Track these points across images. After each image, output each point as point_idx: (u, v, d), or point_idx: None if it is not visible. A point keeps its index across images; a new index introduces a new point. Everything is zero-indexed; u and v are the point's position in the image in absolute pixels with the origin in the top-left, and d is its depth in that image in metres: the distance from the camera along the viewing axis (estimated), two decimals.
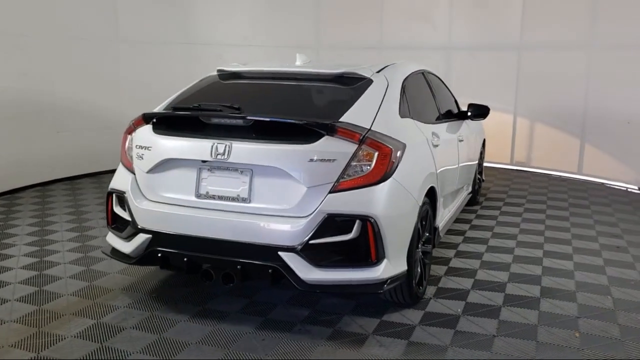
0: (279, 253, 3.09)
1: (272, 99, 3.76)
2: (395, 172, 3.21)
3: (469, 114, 5.20)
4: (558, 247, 4.94)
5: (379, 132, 3.24)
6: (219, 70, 4.17)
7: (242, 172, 3.25)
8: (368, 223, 3.06)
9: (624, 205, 6.56)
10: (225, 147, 3.21)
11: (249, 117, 3.22)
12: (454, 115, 5.14)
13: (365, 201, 3.10)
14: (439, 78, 5.26)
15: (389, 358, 3.04)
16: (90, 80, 7.78)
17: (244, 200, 3.24)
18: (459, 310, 3.64)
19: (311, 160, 3.10)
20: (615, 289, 4.01)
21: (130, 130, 3.67)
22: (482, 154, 6.51)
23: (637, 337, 3.29)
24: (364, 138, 3.13)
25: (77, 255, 4.60)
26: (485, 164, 6.98)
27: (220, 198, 3.28)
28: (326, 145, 3.12)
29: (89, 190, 7.01)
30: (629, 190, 7.43)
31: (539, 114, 8.34)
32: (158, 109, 3.80)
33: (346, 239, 3.09)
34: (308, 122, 3.14)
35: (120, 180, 3.60)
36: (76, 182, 7.48)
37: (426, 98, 4.50)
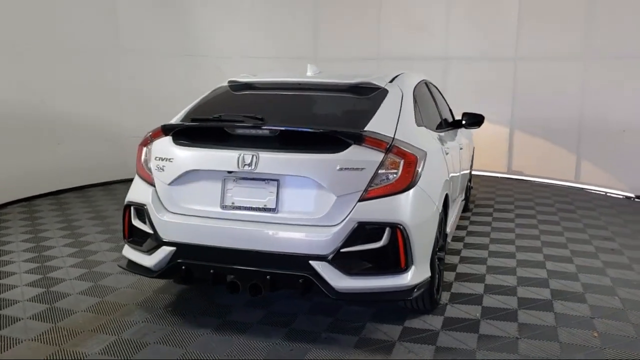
0: (310, 262, 3.10)
1: (292, 109, 3.77)
2: (419, 180, 3.27)
3: (464, 122, 5.31)
4: (556, 250, 5.09)
5: (403, 141, 3.29)
6: (230, 81, 4.17)
7: (268, 182, 3.25)
8: (398, 230, 3.11)
9: (608, 209, 6.79)
10: (252, 157, 3.21)
11: (276, 127, 3.23)
12: (451, 124, 5.25)
13: (394, 209, 3.14)
14: (436, 87, 5.37)
15: None
16: (89, 91, 7.80)
17: (271, 210, 3.24)
18: (478, 314, 3.71)
19: (340, 169, 3.13)
20: (620, 289, 4.16)
21: (146, 142, 3.63)
22: (472, 162, 6.66)
23: None
24: (390, 147, 3.18)
25: (82, 271, 4.49)
26: (481, 173, 7.14)
27: (247, 209, 3.28)
28: (354, 154, 3.15)
29: (76, 205, 6.85)
30: (625, 197, 7.58)
31: (535, 123, 8.42)
32: (174, 120, 3.77)
33: (376, 246, 3.12)
34: (337, 132, 3.17)
35: (139, 193, 3.55)
36: (61, 197, 7.30)
37: (431, 107, 4.60)
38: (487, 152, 8.32)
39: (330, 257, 3.08)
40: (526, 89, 8.45)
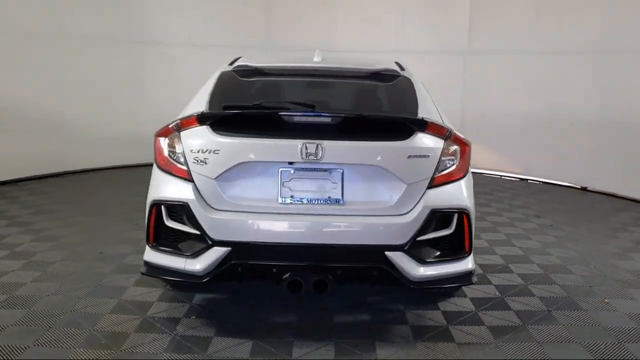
0: (386, 253, 3.02)
1: (328, 96, 3.61)
2: (470, 167, 3.34)
3: None
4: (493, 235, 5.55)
5: (452, 128, 3.34)
6: (238, 67, 3.82)
7: (331, 172, 3.08)
8: (464, 216, 3.15)
9: (540, 195, 7.55)
10: (317, 146, 3.02)
11: (342, 114, 3.08)
12: None
13: (459, 195, 3.18)
14: None
15: (486, 341, 3.18)
16: (29, 78, 7.34)
17: (336, 201, 3.08)
18: (497, 293, 3.91)
19: (410, 156, 3.08)
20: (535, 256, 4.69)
21: (168, 133, 3.21)
22: None
23: None
24: (449, 134, 3.21)
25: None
26: None
27: (310, 201, 3.08)
28: (420, 141, 3.12)
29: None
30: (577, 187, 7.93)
31: (485, 116, 8.66)
32: (187, 112, 3.34)
33: (447, 233, 3.14)
34: (406, 118, 3.12)
35: (171, 189, 3.13)
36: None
37: None
38: None
39: (406, 246, 3.03)
40: (476, 83, 8.75)
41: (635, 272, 4.40)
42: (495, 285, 4.04)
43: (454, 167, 3.20)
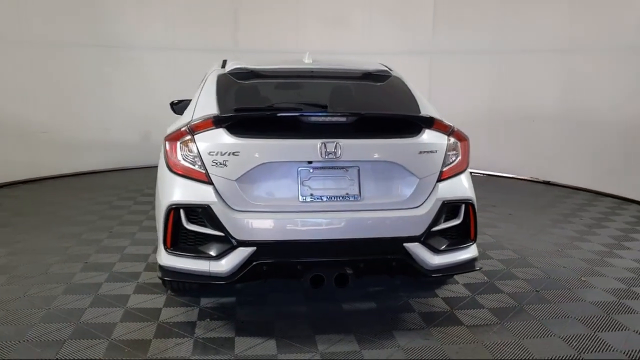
0: (405, 244, 3.17)
1: (329, 96, 3.69)
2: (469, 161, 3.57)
3: None
4: None
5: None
6: (234, 69, 3.83)
7: (348, 169, 3.20)
8: (470, 207, 3.37)
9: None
10: (336, 145, 3.12)
11: (357, 114, 3.21)
12: None
13: (464, 187, 3.39)
14: None
15: (492, 322, 3.42)
16: None
17: (354, 197, 3.20)
18: (485, 278, 4.18)
19: (421, 152, 3.26)
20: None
21: (180, 136, 3.20)
22: None
23: None
24: (452, 130, 3.41)
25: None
26: None
27: (329, 198, 3.18)
28: (428, 137, 3.31)
29: None
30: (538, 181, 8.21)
31: (450, 114, 8.85)
32: (185, 119, 3.36)
33: (456, 223, 3.34)
34: (415, 116, 3.29)
35: (192, 193, 3.12)
36: None
37: None
38: None
39: (423, 237, 3.20)
40: (441, 82, 8.91)
41: (597, 252, 4.84)
42: (481, 271, 4.30)
43: (457, 161, 3.41)
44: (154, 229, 5.12)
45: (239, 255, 3.06)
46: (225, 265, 3.07)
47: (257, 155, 3.11)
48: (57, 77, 8.05)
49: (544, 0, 7.86)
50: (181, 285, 3.74)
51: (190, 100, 5.39)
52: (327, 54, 8.78)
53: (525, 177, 8.33)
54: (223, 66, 4.00)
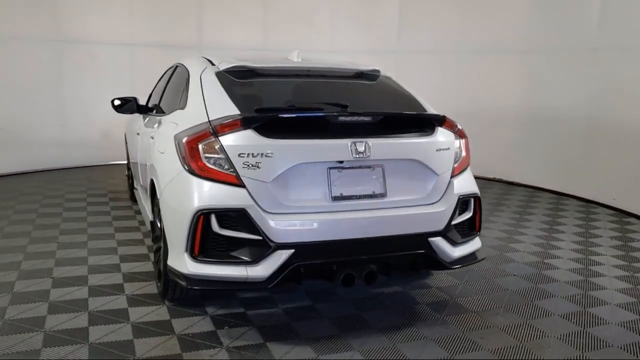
0: (429, 239, 3.30)
1: (335, 95, 3.69)
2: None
3: None
4: None
5: None
6: (232, 67, 3.68)
7: (374, 168, 3.25)
8: (477, 200, 3.59)
9: None
10: (365, 145, 3.16)
11: (382, 112, 3.27)
12: None
13: (472, 182, 3.60)
14: None
15: (494, 306, 3.67)
16: None
17: (380, 195, 3.26)
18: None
19: (438, 150, 3.41)
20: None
21: (203, 137, 3.06)
22: None
23: None
24: (457, 128, 3.60)
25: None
26: None
27: (358, 197, 3.20)
28: (442, 135, 3.47)
29: None
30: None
31: None
32: (213, 116, 3.22)
33: (468, 216, 3.54)
34: (431, 115, 3.43)
35: (223, 196, 2.98)
36: None
37: None
38: None
39: (444, 231, 3.35)
40: (406, 82, 8.76)
41: (545, 237, 5.35)
42: None
43: (463, 158, 3.61)
44: (106, 235, 4.83)
45: (278, 258, 2.99)
46: (264, 269, 2.98)
47: (291, 156, 3.06)
48: (13, 73, 7.96)
49: (505, 2, 7.99)
50: (205, 292, 3.63)
51: (134, 98, 5.19)
52: (300, 52, 8.80)
53: (490, 177, 8.34)
54: (212, 64, 3.84)
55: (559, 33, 7.30)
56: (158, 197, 3.43)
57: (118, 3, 8.73)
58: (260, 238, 2.98)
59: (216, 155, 3.03)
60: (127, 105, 4.95)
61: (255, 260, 2.98)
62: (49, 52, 8.33)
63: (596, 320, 3.55)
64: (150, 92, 5.72)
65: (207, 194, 3.01)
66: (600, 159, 6.87)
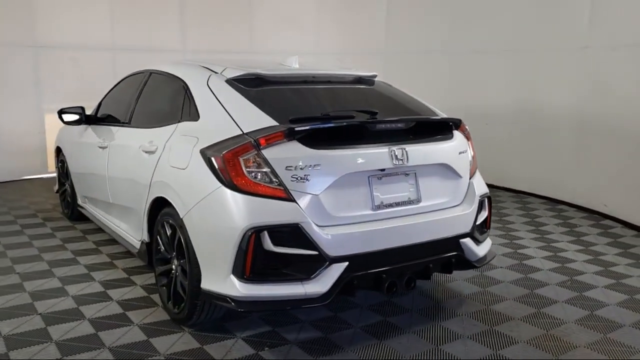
0: (460, 241, 3.38)
1: (351, 102, 3.66)
2: None
3: None
4: None
5: None
6: (240, 75, 3.50)
7: (408, 174, 3.27)
8: (489, 200, 3.73)
9: None
10: (403, 151, 3.17)
11: (414, 119, 3.31)
12: None
13: (483, 183, 3.74)
14: None
15: (510, 297, 3.86)
16: None
17: (415, 201, 3.27)
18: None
19: (460, 153, 3.50)
20: None
21: (244, 150, 2.90)
22: None
23: None
24: (466, 130, 3.72)
25: None
26: None
27: (396, 205, 3.20)
28: (459, 138, 3.57)
29: None
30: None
31: None
32: (247, 128, 3.05)
33: (485, 215, 3.66)
34: (451, 119, 3.51)
35: (275, 212, 2.81)
36: None
37: None
38: None
39: (472, 232, 3.45)
40: (394, 83, 8.18)
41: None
42: None
43: (473, 159, 3.74)
44: (67, 260, 4.43)
45: (334, 272, 2.91)
46: (321, 285, 2.88)
47: (338, 166, 2.99)
48: None
49: (495, 1, 7.71)
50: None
51: (81, 107, 4.84)
52: (280, 55, 8.45)
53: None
54: (215, 72, 3.64)
55: (550, 32, 6.92)
56: (181, 217, 3.18)
57: (98, 6, 8.30)
58: (316, 253, 2.87)
59: (261, 169, 2.88)
60: (77, 117, 4.86)
61: (311, 277, 2.88)
62: (26, 57, 7.96)
63: (597, 304, 3.85)
64: (99, 101, 5.31)
65: (256, 210, 2.84)
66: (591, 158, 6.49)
